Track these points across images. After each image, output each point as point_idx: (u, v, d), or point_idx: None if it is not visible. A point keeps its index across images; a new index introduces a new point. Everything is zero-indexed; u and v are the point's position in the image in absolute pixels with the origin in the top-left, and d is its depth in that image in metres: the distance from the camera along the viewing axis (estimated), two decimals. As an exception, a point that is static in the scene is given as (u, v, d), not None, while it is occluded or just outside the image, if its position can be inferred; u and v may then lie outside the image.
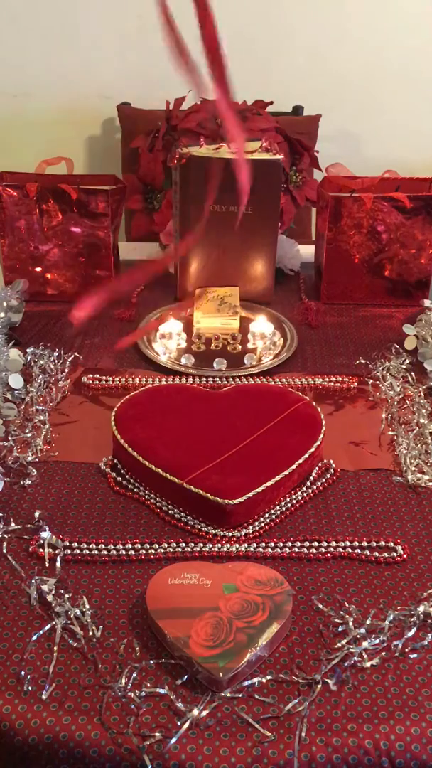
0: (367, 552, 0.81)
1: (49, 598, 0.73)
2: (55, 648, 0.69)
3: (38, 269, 1.36)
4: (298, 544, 0.82)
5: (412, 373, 1.12)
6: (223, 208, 1.28)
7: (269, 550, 0.81)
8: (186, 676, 0.67)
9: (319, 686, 0.66)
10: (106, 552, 0.81)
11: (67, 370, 1.14)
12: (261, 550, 0.81)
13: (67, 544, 0.81)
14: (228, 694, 0.65)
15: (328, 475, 0.93)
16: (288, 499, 0.89)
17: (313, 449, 0.92)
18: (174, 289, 1.38)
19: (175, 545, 0.82)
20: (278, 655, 0.69)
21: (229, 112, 0.63)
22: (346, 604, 0.74)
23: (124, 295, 1.36)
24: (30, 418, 1.02)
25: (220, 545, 0.82)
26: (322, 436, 0.94)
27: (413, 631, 0.71)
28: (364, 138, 2.06)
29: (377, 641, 0.70)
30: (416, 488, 0.91)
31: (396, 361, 1.15)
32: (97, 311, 0.90)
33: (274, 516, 0.87)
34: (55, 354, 1.16)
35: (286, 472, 0.88)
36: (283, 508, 0.88)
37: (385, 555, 0.81)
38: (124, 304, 1.36)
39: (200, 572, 0.74)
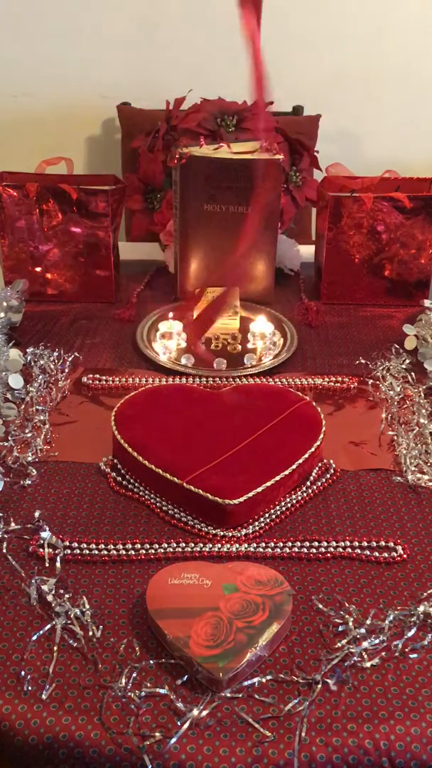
0: (367, 552, 0.81)
1: (49, 598, 0.73)
2: (55, 648, 0.69)
3: (38, 269, 1.36)
4: (298, 544, 0.82)
5: (412, 373, 1.12)
6: (223, 208, 1.28)
7: (269, 550, 0.81)
8: (186, 676, 0.67)
9: (319, 686, 0.66)
10: (106, 552, 0.81)
11: (67, 370, 1.14)
12: (261, 550, 0.81)
13: (67, 544, 0.81)
14: (228, 694, 0.65)
15: (328, 475, 0.93)
16: (288, 499, 0.89)
17: (313, 449, 0.92)
18: (174, 289, 1.38)
19: (175, 545, 0.82)
20: (278, 655, 0.69)
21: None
22: (346, 604, 0.74)
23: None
24: (30, 418, 1.02)
25: (220, 545, 0.82)
26: (322, 436, 0.94)
27: (413, 631, 0.71)
28: (364, 138, 2.06)
29: (377, 641, 0.70)
30: (416, 488, 0.91)
31: (396, 361, 1.15)
32: None
33: (274, 516, 0.87)
34: (55, 354, 1.16)
35: (286, 472, 0.88)
36: (283, 508, 0.88)
37: (385, 555, 0.81)
38: (124, 304, 1.36)
39: (200, 572, 0.74)
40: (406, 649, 0.70)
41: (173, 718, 0.63)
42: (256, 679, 0.66)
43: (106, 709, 0.64)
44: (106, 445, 0.96)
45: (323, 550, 0.81)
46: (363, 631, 0.70)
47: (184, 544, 0.82)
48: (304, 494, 0.90)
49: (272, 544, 0.82)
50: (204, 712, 0.63)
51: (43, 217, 1.31)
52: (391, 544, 0.82)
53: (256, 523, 0.85)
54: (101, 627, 0.71)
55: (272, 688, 0.66)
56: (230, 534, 0.84)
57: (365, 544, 0.82)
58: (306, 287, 1.46)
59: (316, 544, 0.82)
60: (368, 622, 0.71)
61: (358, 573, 0.79)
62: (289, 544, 0.82)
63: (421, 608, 0.73)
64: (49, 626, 0.71)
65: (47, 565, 0.79)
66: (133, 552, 0.81)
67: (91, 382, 1.12)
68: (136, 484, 0.91)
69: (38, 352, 1.16)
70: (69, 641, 0.70)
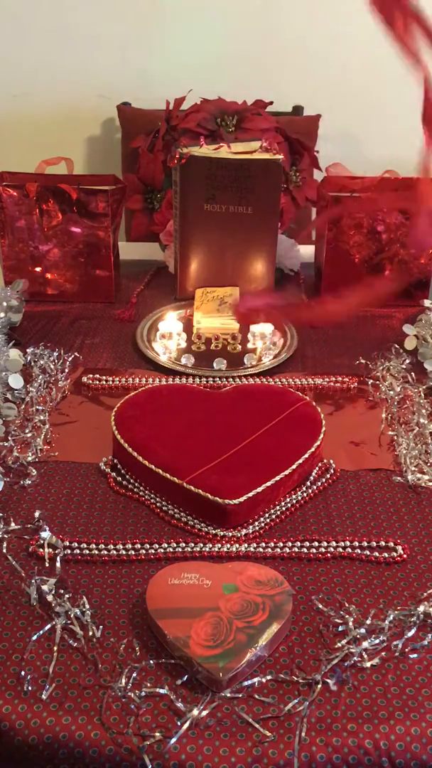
0: (367, 552, 0.81)
1: (49, 598, 0.73)
2: (55, 648, 0.69)
3: (38, 269, 1.36)
4: (298, 544, 0.82)
5: (412, 373, 1.12)
6: (223, 208, 1.28)
7: (269, 550, 0.81)
8: (186, 676, 0.67)
9: (319, 686, 0.66)
10: (106, 552, 0.81)
11: (67, 370, 1.14)
12: (261, 550, 0.81)
13: (67, 544, 0.81)
14: (228, 694, 0.65)
15: (328, 475, 0.93)
16: (288, 499, 0.89)
17: (313, 449, 0.92)
18: (174, 289, 1.38)
19: (175, 545, 0.82)
20: (278, 655, 0.69)
21: None
22: (346, 604, 0.74)
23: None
24: (30, 418, 1.02)
25: (220, 545, 0.82)
26: (322, 436, 0.94)
27: (413, 631, 0.71)
28: (364, 138, 2.06)
29: (377, 641, 0.70)
30: (416, 488, 0.91)
31: (396, 361, 1.15)
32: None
33: (274, 516, 0.87)
34: (55, 354, 1.16)
35: (286, 472, 0.88)
36: (283, 508, 0.88)
37: (385, 555, 0.81)
38: (124, 304, 1.36)
39: (200, 572, 0.74)
40: (406, 649, 0.70)
41: (173, 718, 0.63)
42: (256, 679, 0.66)
43: (106, 709, 0.64)
44: (106, 445, 0.96)
45: (323, 550, 0.81)
46: (363, 631, 0.70)
47: (184, 544, 0.82)
48: (304, 494, 0.90)
49: (272, 544, 0.82)
50: (204, 712, 0.63)
51: (43, 217, 1.31)
52: (391, 544, 0.82)
53: (256, 523, 0.85)
54: (101, 627, 0.71)
55: (272, 688, 0.66)
56: (230, 534, 0.84)
57: (365, 544, 0.82)
58: (306, 287, 1.46)
59: (316, 544, 0.82)
60: (368, 622, 0.71)
61: (358, 573, 0.79)
62: (289, 544, 0.82)
63: (421, 608, 0.73)
64: (49, 626, 0.71)
65: (47, 565, 0.79)
66: (133, 552, 0.81)
67: (91, 382, 1.12)
68: (136, 484, 0.91)
69: (38, 352, 1.16)
70: (69, 641, 0.70)
